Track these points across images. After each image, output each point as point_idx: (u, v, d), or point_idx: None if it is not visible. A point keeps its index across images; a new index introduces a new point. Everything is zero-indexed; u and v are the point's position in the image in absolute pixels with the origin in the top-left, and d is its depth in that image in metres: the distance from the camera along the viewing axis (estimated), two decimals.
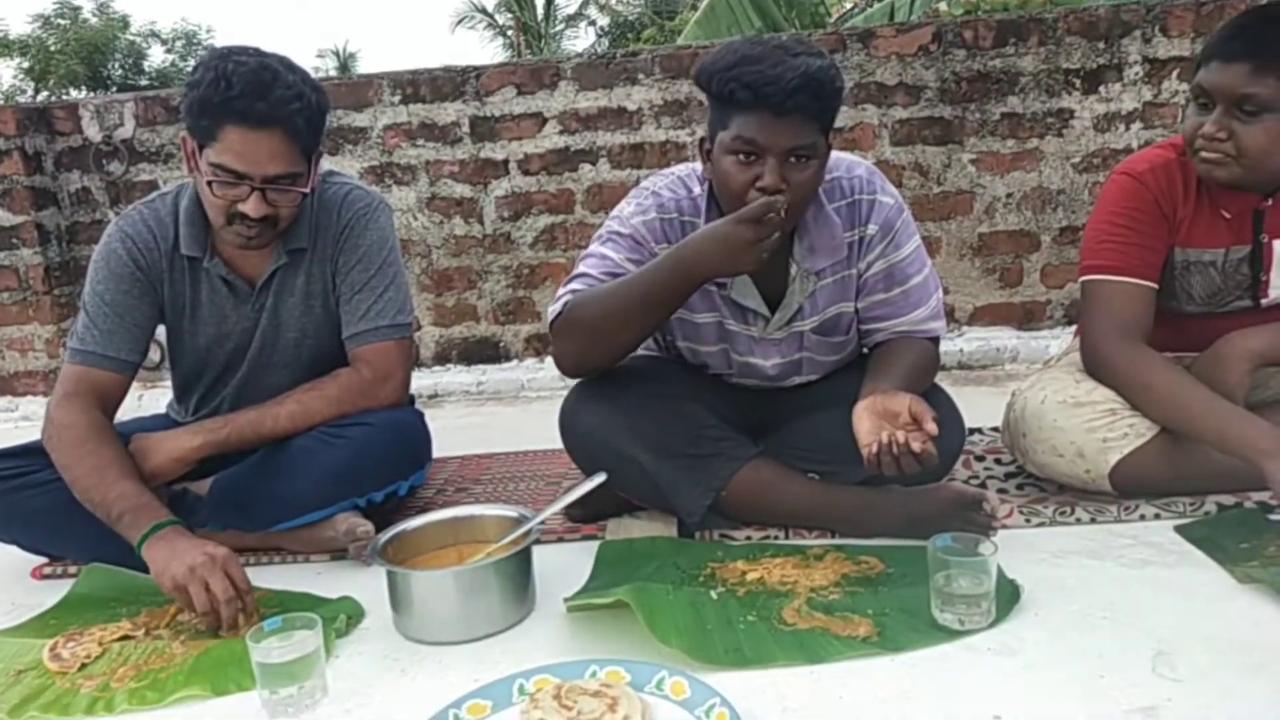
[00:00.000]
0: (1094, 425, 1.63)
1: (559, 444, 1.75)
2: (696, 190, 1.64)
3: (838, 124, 2.98)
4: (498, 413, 3.04)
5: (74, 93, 21.79)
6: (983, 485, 1.83)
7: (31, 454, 1.72)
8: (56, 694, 1.32)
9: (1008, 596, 1.34)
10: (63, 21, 23.07)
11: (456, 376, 3.29)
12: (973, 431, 2.09)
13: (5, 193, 3.21)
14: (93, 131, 3.28)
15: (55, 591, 1.67)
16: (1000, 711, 1.11)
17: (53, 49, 22.65)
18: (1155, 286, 1.68)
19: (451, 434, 2.54)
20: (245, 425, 1.69)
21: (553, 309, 1.61)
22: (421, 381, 3.12)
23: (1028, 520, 1.65)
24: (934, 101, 3.02)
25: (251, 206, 1.57)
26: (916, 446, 1.37)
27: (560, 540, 1.75)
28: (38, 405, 3.31)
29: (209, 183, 1.56)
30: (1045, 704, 1.12)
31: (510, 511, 1.58)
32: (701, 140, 1.59)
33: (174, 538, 1.48)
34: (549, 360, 3.31)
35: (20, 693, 1.33)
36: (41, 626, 1.54)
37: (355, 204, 1.77)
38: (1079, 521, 1.63)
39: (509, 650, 1.35)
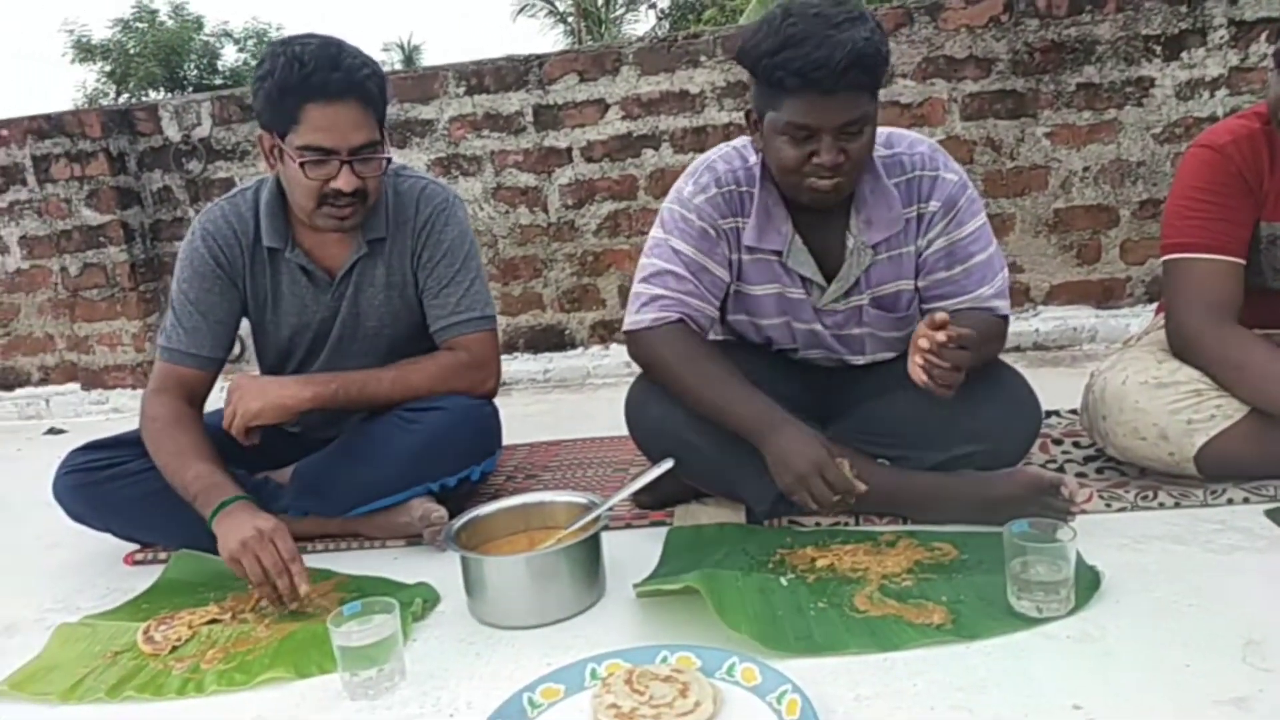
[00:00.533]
0: (1178, 407, 1.57)
1: (625, 431, 1.75)
2: (752, 160, 1.63)
3: (905, 100, 2.95)
4: (564, 400, 3.07)
5: (153, 94, 22.58)
6: (1061, 469, 1.78)
7: (122, 445, 1.80)
8: (151, 675, 1.38)
9: (1088, 583, 1.30)
10: (141, 25, 23.89)
11: (524, 364, 3.32)
12: (1050, 414, 2.04)
13: (93, 193, 3.35)
14: (172, 131, 3.40)
15: (147, 577, 1.74)
16: (1080, 702, 1.08)
17: (132, 52, 23.48)
18: (1243, 262, 1.61)
19: (520, 421, 2.57)
20: (352, 384, 1.73)
21: (635, 317, 1.62)
22: None
23: (1108, 505, 1.61)
24: (1006, 74, 2.93)
25: (344, 181, 1.61)
26: (941, 337, 1.36)
27: (628, 526, 1.76)
28: (127, 398, 3.45)
29: (301, 165, 1.60)
30: (1128, 694, 1.09)
31: (579, 498, 1.60)
32: (748, 111, 1.57)
33: (236, 513, 1.53)
34: (614, 347, 3.33)
35: (117, 674, 1.39)
36: (135, 610, 1.61)
37: (434, 199, 1.81)
38: (1162, 506, 1.58)
39: (580, 635, 1.37)
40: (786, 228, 1.61)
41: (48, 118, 3.36)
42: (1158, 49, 2.86)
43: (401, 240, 1.79)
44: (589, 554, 1.47)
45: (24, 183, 3.43)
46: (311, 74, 1.54)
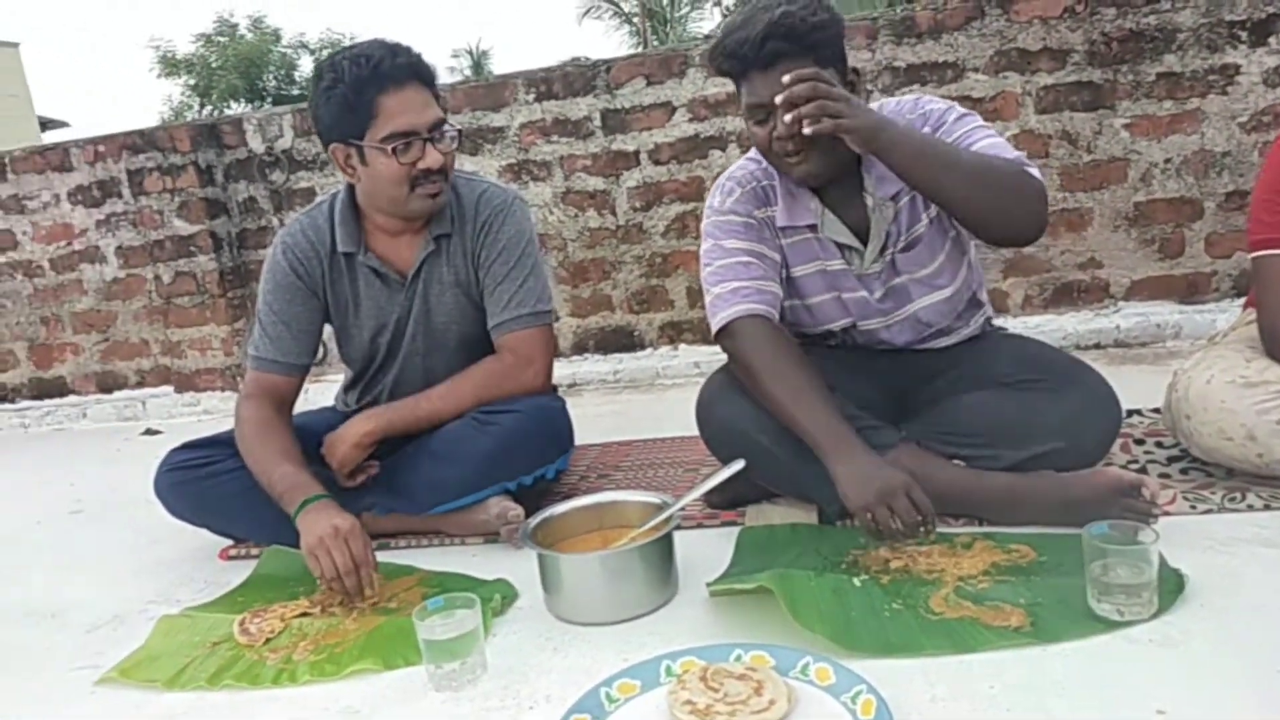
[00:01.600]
0: (1267, 407, 1.52)
1: (695, 431, 1.77)
2: (764, 161, 1.69)
3: (977, 94, 2.91)
4: (634, 400, 3.10)
5: (234, 106, 23.35)
6: (1143, 470, 1.74)
7: (217, 444, 1.89)
8: (247, 665, 1.45)
9: (1171, 587, 1.28)
10: (222, 39, 24.72)
11: (594, 366, 3.37)
12: (1131, 413, 1.99)
13: (183, 204, 3.50)
14: (256, 144, 3.53)
15: (240, 571, 1.83)
16: (1164, 707, 1.06)
17: (214, 65, 24.32)
18: None
19: (590, 422, 2.60)
20: (404, 408, 1.84)
21: (722, 315, 1.64)
22: (560, 371, 3.20)
23: (1193, 507, 1.57)
24: (1082, 65, 2.86)
25: (432, 158, 1.71)
26: (778, 99, 1.41)
27: (700, 526, 1.78)
28: (218, 400, 3.60)
29: (392, 151, 1.68)
30: (1214, 701, 1.06)
31: (652, 498, 1.62)
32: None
33: (317, 510, 1.61)
34: (683, 348, 3.35)
35: (216, 663, 1.47)
36: (230, 603, 1.69)
37: (493, 200, 1.87)
38: (1251, 508, 1.54)
39: (654, 632, 1.39)
40: (814, 203, 1.67)
41: (141, 133, 3.53)
42: (1243, 35, 2.76)
43: (463, 241, 1.86)
44: (662, 552, 1.49)
45: (120, 195, 3.60)
46: (379, 64, 1.65)
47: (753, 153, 1.74)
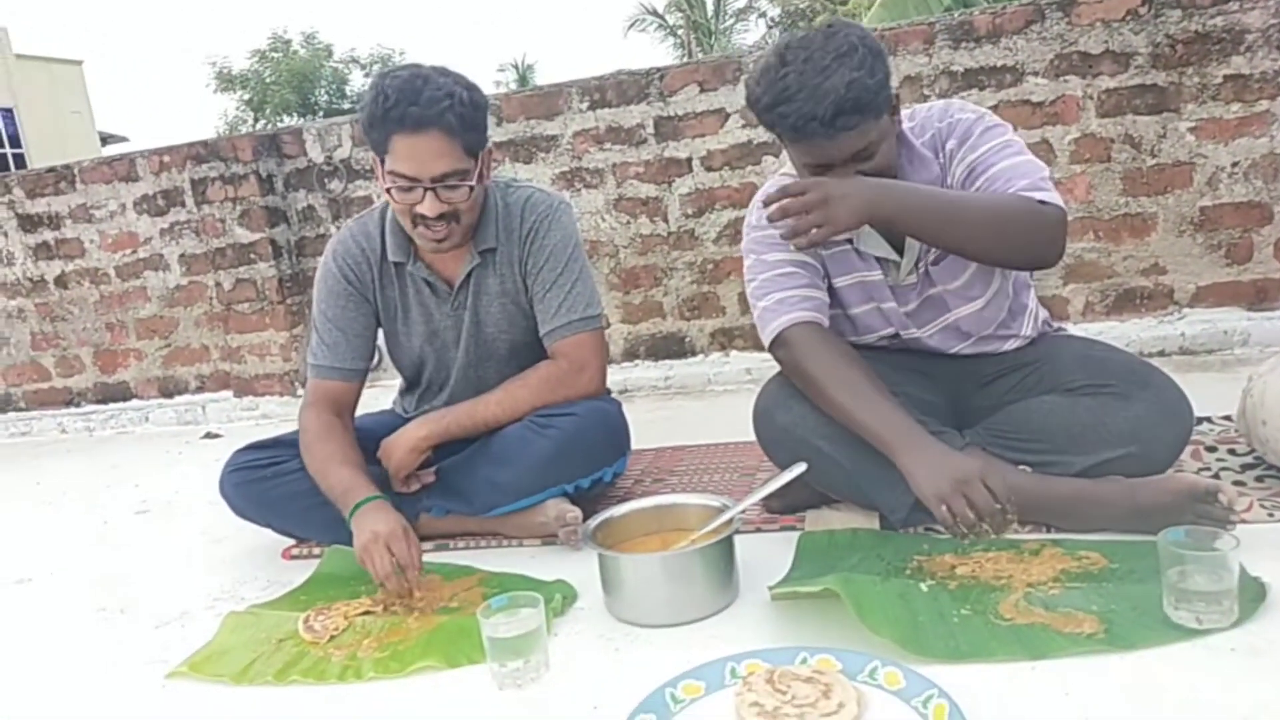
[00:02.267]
0: None
1: (748, 436, 1.77)
2: (797, 175, 1.67)
3: (1036, 98, 2.87)
4: (685, 406, 3.09)
5: (287, 119, 23.90)
6: (1216, 477, 1.69)
7: (281, 446, 1.93)
8: (313, 661, 1.47)
9: (1252, 595, 1.24)
10: (276, 54, 25.34)
11: (645, 372, 3.37)
12: (1201, 420, 1.94)
13: (245, 213, 3.58)
14: (315, 153, 3.60)
15: (303, 570, 1.86)
16: (1250, 715, 1.03)
17: (268, 80, 24.93)
18: None
19: (643, 427, 2.59)
20: (461, 414, 1.85)
21: (771, 327, 1.65)
22: (612, 377, 3.19)
23: (1270, 515, 1.52)
24: (1145, 68, 2.81)
25: (427, 207, 1.69)
26: (772, 209, 1.46)
27: (758, 531, 1.77)
28: (276, 404, 3.67)
29: (388, 189, 1.70)
30: None
31: (713, 501, 1.61)
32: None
33: (369, 512, 1.64)
34: (734, 354, 3.34)
35: (282, 659, 1.49)
36: (294, 601, 1.72)
37: (538, 207, 1.87)
38: None
39: (716, 635, 1.39)
40: None
41: (205, 144, 3.62)
42: None
43: (510, 250, 1.87)
44: (723, 555, 1.49)
45: (183, 204, 3.70)
46: (392, 108, 1.62)
47: (787, 166, 1.73)
